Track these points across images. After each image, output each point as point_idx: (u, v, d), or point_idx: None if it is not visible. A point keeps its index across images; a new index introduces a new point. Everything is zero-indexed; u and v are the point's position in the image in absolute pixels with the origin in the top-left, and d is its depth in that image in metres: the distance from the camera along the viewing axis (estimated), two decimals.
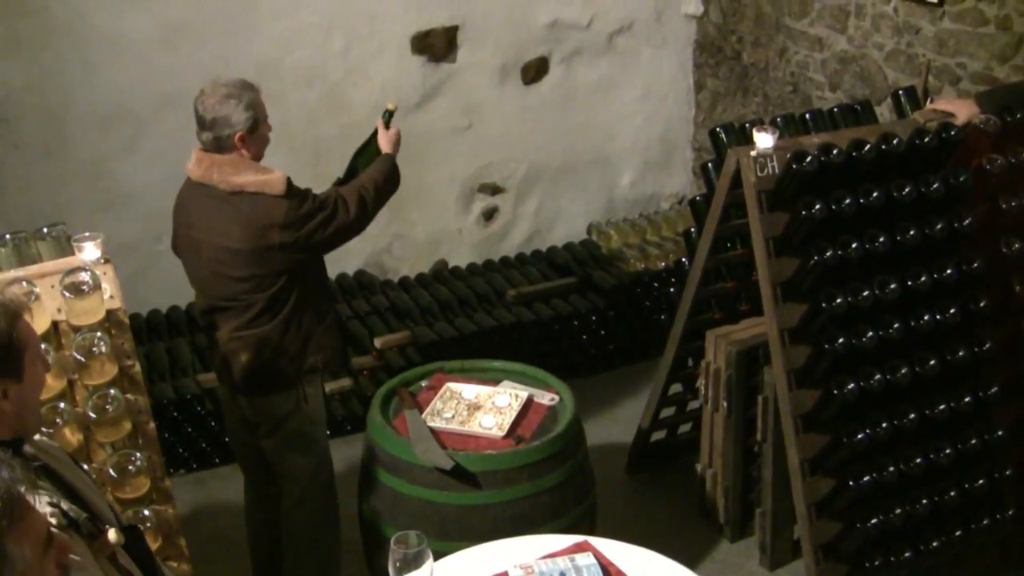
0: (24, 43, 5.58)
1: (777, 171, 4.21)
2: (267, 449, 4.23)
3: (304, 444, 4.21)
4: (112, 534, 2.33)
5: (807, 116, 4.85)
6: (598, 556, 3.34)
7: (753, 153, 4.22)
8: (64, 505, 2.25)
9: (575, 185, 7.19)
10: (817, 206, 4.06)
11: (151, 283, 5.97)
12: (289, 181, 3.87)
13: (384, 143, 4.26)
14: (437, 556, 3.04)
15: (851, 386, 4.10)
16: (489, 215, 7.03)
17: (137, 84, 5.83)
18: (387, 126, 4.26)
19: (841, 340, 4.09)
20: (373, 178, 4.13)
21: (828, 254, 4.07)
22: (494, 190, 6.99)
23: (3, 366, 2.28)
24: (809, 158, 4.11)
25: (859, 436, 4.14)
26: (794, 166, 4.11)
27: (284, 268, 3.92)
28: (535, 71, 6.85)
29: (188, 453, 5.58)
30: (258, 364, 4.02)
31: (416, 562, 2.92)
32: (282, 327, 4.00)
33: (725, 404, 4.79)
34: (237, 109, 3.84)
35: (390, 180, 4.19)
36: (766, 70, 6.60)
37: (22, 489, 1.84)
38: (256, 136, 3.92)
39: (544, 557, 3.33)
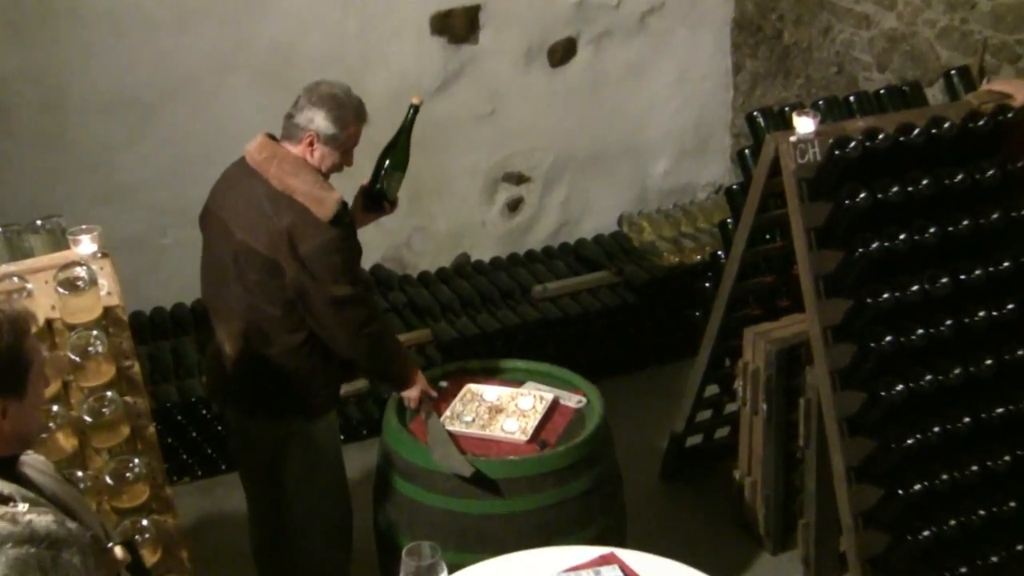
0: (19, 24, 5.58)
1: (819, 158, 4.20)
2: (271, 469, 4.19)
3: (310, 464, 4.16)
4: (119, 551, 2.35)
5: (852, 99, 4.83)
6: (625, 569, 3.32)
7: (793, 139, 4.22)
8: (70, 524, 2.25)
9: (605, 174, 7.17)
10: (862, 195, 4.05)
11: (156, 280, 5.97)
12: (342, 207, 3.79)
13: (410, 391, 4.21)
14: (457, 568, 3.02)
15: (899, 388, 4.09)
16: (514, 206, 7.01)
17: (141, 69, 5.83)
18: (411, 123, 4.18)
19: (888, 338, 4.08)
20: (394, 351, 4.13)
21: (874, 246, 4.06)
22: (519, 180, 6.98)
23: (6, 383, 2.28)
24: (853, 144, 4.10)
25: (909, 441, 4.13)
26: (837, 152, 4.10)
27: (292, 294, 3.86)
28: (562, 53, 6.82)
29: (192, 459, 5.58)
30: (261, 383, 4.00)
31: (430, 575, 2.89)
32: (293, 352, 3.95)
33: (764, 407, 4.77)
34: (328, 115, 3.82)
35: (392, 361, 4.14)
36: (809, 50, 6.56)
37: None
38: (327, 150, 3.86)
39: (567, 571, 3.30)
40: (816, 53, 6.51)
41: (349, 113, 3.85)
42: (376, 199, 4.22)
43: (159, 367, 5.68)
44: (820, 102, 4.78)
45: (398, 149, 4.18)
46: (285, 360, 3.95)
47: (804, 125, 4.22)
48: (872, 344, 4.07)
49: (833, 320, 4.19)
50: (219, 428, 5.53)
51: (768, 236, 4.93)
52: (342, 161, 3.92)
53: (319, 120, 3.81)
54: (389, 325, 3.97)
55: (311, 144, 3.83)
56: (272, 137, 3.91)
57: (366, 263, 6.47)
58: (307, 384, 4.01)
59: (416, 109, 4.19)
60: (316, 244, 3.76)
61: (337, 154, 3.88)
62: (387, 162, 4.18)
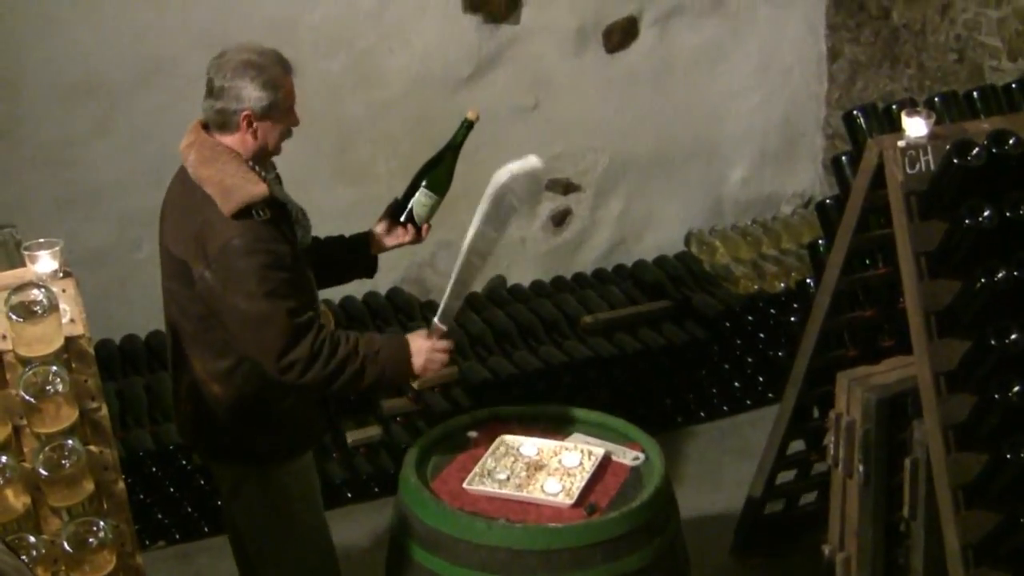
0: None
1: (933, 167, 4.18)
2: (234, 519, 4.24)
3: (277, 522, 4.17)
4: None
5: (975, 94, 4.82)
6: None
7: (901, 143, 4.20)
8: None
9: (671, 182, 7.20)
10: (986, 213, 4.02)
11: (127, 302, 6.02)
12: (251, 206, 3.79)
13: (421, 350, 4.11)
14: None
15: None
16: (560, 220, 7.03)
17: (112, 49, 5.89)
18: (461, 141, 4.23)
19: (1017, 388, 4.03)
20: (359, 363, 3.96)
21: (1000, 276, 4.02)
22: (567, 188, 7.01)
23: None
24: (976, 150, 4.07)
25: None
26: (956, 160, 4.06)
27: (201, 306, 3.91)
28: (621, 36, 6.85)
29: (170, 520, 5.60)
30: (203, 416, 4.05)
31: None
32: (222, 378, 3.98)
33: (861, 468, 4.73)
34: (254, 83, 3.85)
35: (359, 381, 4.00)
36: (922, 33, 6.56)
37: None
38: (268, 123, 3.91)
39: None
40: (931, 37, 6.51)
41: (275, 71, 3.89)
42: (404, 221, 4.28)
43: (131, 408, 5.71)
44: (936, 98, 4.76)
45: (440, 168, 4.26)
46: (215, 390, 3.99)
47: (915, 127, 4.20)
48: (996, 395, 4.03)
49: (948, 365, 4.16)
50: (202, 482, 5.56)
51: (868, 261, 4.90)
52: (288, 124, 3.97)
53: (248, 93, 3.84)
54: (340, 342, 3.93)
55: (250, 124, 3.88)
56: (204, 126, 3.97)
57: (380, 287, 6.50)
58: (246, 423, 4.04)
59: (470, 126, 4.27)
60: (218, 244, 3.80)
61: (281, 123, 3.94)
62: (424, 181, 4.24)
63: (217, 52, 3.94)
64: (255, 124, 3.88)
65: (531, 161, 4.01)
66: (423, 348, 4.10)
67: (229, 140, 3.90)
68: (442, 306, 4.15)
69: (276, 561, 4.22)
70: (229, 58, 3.87)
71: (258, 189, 3.82)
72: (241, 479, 4.13)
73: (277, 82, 3.87)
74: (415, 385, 5.86)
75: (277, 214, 3.92)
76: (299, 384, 3.90)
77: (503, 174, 4.00)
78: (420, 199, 4.24)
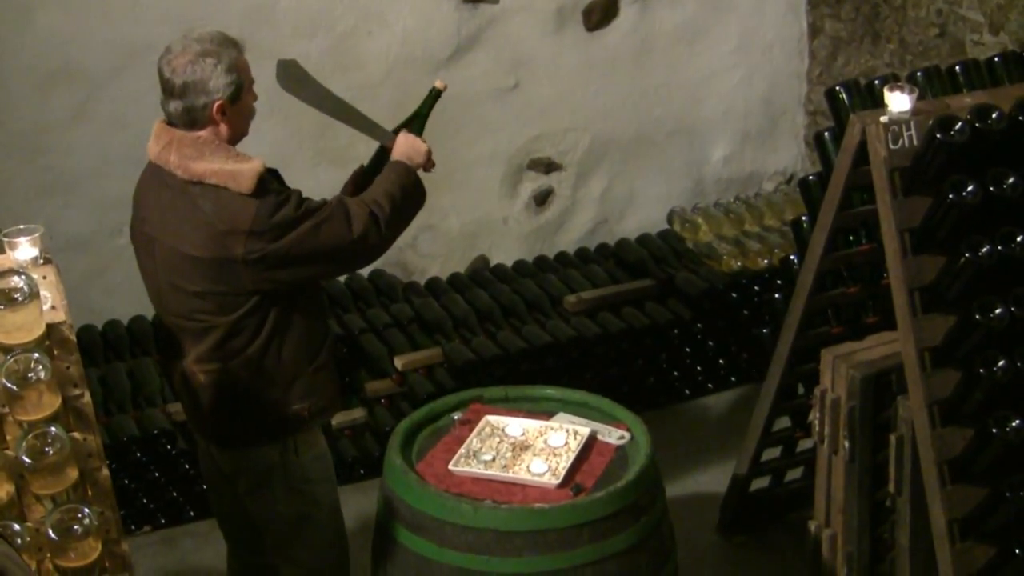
0: None
1: (916, 142, 4.18)
2: (251, 511, 4.22)
3: (299, 508, 4.18)
4: None
5: (958, 69, 4.82)
6: None
7: (884, 119, 4.20)
8: None
9: (652, 161, 7.20)
10: (969, 188, 4.03)
11: (108, 287, 6.01)
12: (263, 175, 3.83)
13: (399, 148, 4.21)
14: None
15: (1015, 424, 4.06)
16: (542, 200, 7.02)
17: (89, 35, 5.87)
18: (428, 110, 4.26)
19: (1002, 363, 4.06)
20: (387, 191, 4.07)
21: (984, 251, 4.03)
22: (548, 167, 6.99)
23: None
24: (959, 125, 4.08)
25: None
26: (939, 136, 4.07)
27: (253, 288, 3.90)
28: (601, 14, 6.84)
29: (154, 505, 5.59)
30: (227, 406, 4.02)
31: None
32: (254, 362, 3.98)
33: (846, 445, 4.75)
34: (216, 71, 3.82)
35: (411, 195, 4.13)
36: (903, 8, 6.57)
37: None
38: (238, 107, 3.91)
39: None
40: (912, 12, 6.51)
41: (231, 53, 3.87)
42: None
43: (113, 394, 5.70)
44: (918, 73, 4.76)
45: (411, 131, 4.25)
46: (242, 375, 3.99)
47: (898, 102, 4.20)
48: (981, 370, 4.04)
49: (932, 341, 4.17)
50: (187, 467, 5.55)
51: (852, 238, 4.91)
52: (249, 101, 3.96)
53: (213, 83, 3.82)
54: (376, 199, 4.03)
55: (222, 112, 3.86)
56: (170, 124, 3.93)
57: (363, 269, 6.49)
58: (281, 395, 4.04)
59: (438, 95, 4.28)
60: (253, 217, 3.80)
61: (246, 99, 3.94)
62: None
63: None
64: (227, 112, 3.86)
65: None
66: (406, 146, 4.22)
67: (203, 133, 3.88)
68: (374, 134, 4.31)
69: (298, 544, 4.22)
70: (180, 52, 3.83)
71: (258, 162, 3.84)
72: (267, 469, 4.11)
73: (236, 63, 3.86)
74: (399, 366, 5.85)
75: (278, 179, 3.99)
76: (389, 239, 4.04)
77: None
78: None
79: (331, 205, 3.93)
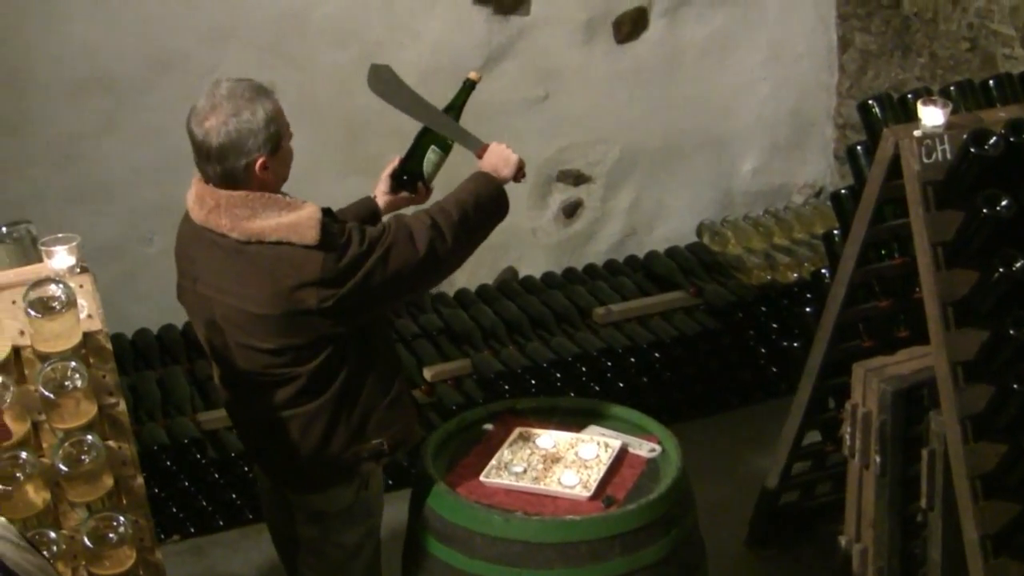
0: None
1: (949, 156, 4.18)
2: (307, 538, 4.16)
3: (358, 539, 4.17)
4: None
5: (991, 83, 4.80)
6: None
7: (917, 133, 4.19)
8: None
9: (681, 173, 7.20)
10: (1003, 202, 4.03)
11: (138, 296, 6.02)
12: (323, 221, 3.69)
13: (488, 158, 4.14)
14: None
15: None
16: (571, 211, 7.02)
17: (120, 44, 5.89)
18: (463, 101, 4.24)
19: None
20: (459, 200, 3.96)
21: (1018, 265, 4.03)
22: (577, 179, 7.00)
23: None
24: (994, 139, 4.07)
25: None
26: (973, 150, 4.07)
27: (330, 334, 3.81)
28: (631, 26, 6.84)
29: (184, 514, 5.61)
30: (307, 451, 3.96)
31: None
32: (333, 406, 3.92)
33: (877, 459, 4.74)
34: (255, 128, 3.68)
35: (486, 207, 4.03)
36: (934, 21, 6.55)
37: None
38: (280, 156, 3.78)
39: None
40: (943, 25, 6.49)
41: (263, 102, 3.71)
42: (409, 180, 4.24)
43: (144, 403, 5.71)
44: (951, 87, 4.75)
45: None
46: (327, 416, 3.93)
47: (932, 116, 4.19)
48: (1015, 385, 4.03)
49: (966, 355, 4.16)
50: (216, 475, 5.57)
51: (884, 252, 4.90)
52: (289, 147, 3.84)
53: (252, 142, 3.69)
54: (445, 208, 3.92)
55: (265, 168, 3.73)
56: (207, 181, 3.80)
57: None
58: (361, 430, 3.99)
59: (472, 86, 4.27)
60: (321, 267, 3.69)
61: (286, 146, 3.81)
62: (427, 140, 4.22)
63: (187, 110, 3.74)
64: (270, 166, 3.74)
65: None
66: (495, 156, 4.16)
67: (250, 191, 3.74)
68: (464, 142, 4.23)
69: (343, 572, 4.22)
70: (210, 111, 3.68)
71: (312, 208, 3.71)
72: (344, 509, 4.09)
73: (272, 115, 3.72)
74: (428, 378, 5.87)
75: (329, 215, 3.85)
76: (458, 251, 3.94)
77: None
78: (431, 157, 4.20)
79: (392, 229, 3.79)
